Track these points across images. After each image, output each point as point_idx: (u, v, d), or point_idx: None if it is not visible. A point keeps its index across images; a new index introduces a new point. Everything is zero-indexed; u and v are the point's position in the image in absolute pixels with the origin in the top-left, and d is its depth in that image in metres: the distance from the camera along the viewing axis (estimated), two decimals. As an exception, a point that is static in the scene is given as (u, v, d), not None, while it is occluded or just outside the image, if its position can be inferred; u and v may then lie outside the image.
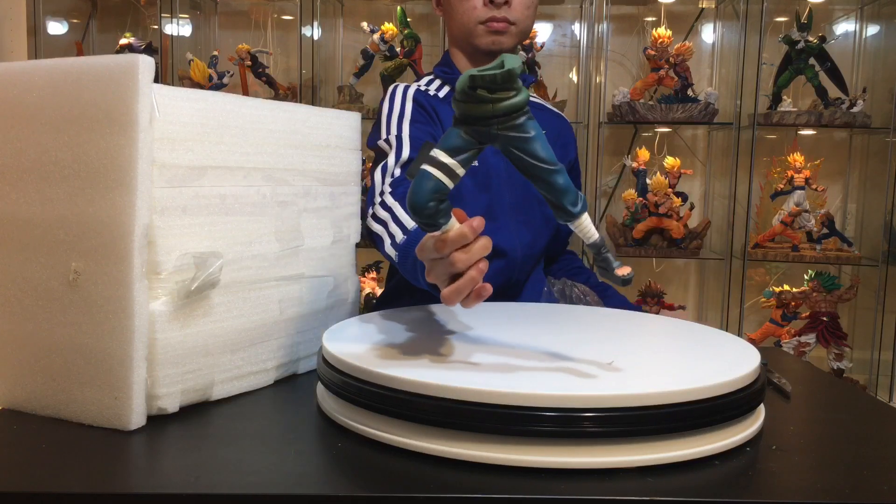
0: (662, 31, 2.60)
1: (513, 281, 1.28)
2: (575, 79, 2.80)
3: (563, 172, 0.69)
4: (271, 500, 0.60)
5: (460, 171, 0.69)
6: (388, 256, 1.04)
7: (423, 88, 1.30)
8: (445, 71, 1.33)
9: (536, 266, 1.35)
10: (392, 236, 1.03)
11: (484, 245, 0.73)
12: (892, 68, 2.65)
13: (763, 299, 2.60)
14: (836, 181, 2.79)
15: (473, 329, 0.90)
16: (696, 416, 0.66)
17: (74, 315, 0.75)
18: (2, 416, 0.78)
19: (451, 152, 0.68)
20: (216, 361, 0.81)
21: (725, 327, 2.60)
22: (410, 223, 1.00)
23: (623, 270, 0.71)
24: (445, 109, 1.27)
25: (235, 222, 0.83)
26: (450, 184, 0.68)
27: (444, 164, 0.68)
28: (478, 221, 0.72)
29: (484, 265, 0.72)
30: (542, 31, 2.77)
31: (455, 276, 0.73)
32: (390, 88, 1.29)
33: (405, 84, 1.30)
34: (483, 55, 1.28)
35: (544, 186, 0.68)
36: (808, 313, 2.51)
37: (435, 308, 1.02)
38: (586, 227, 0.70)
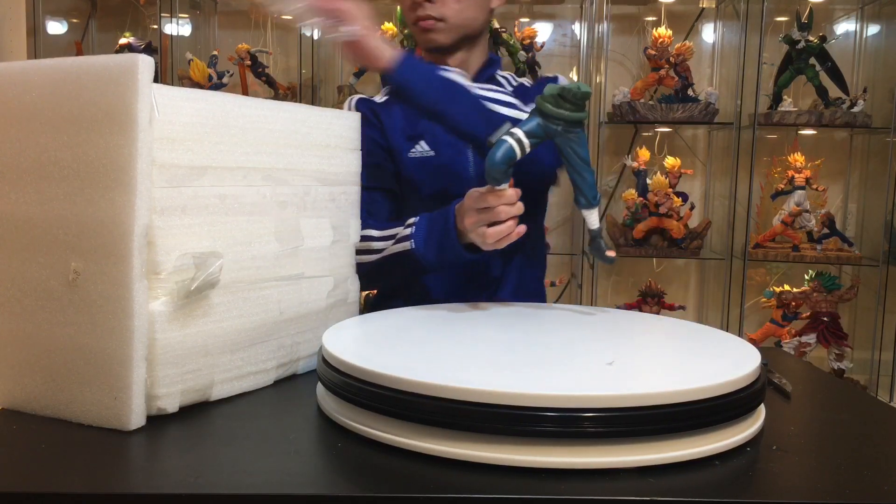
0: (663, 31, 2.60)
1: (480, 274, 1.28)
2: (575, 78, 2.80)
3: (593, 172, 0.96)
4: (271, 500, 0.60)
5: (528, 149, 0.93)
6: (392, 258, 1.12)
7: (373, 98, 1.32)
8: None
9: (514, 259, 1.32)
10: (393, 239, 1.13)
11: (521, 207, 1.00)
12: (892, 68, 2.65)
13: (763, 299, 2.60)
14: (837, 181, 2.79)
15: (473, 329, 0.90)
16: (696, 416, 0.66)
17: (74, 315, 0.75)
18: (1, 416, 0.78)
19: (527, 134, 0.93)
20: (216, 361, 0.81)
21: (726, 327, 2.60)
22: (395, 230, 1.14)
23: (611, 253, 1.00)
24: (386, 112, 1.28)
25: (235, 222, 0.83)
26: (519, 154, 0.93)
27: (519, 140, 0.92)
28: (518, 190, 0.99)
29: (518, 224, 1.00)
30: (543, 31, 2.77)
31: (492, 225, 0.99)
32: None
33: (356, 96, 1.32)
34: (429, 53, 1.28)
35: (579, 178, 0.95)
36: (808, 313, 2.51)
37: (435, 308, 1.02)
38: (594, 217, 0.97)
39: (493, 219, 0.98)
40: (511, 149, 0.92)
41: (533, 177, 1.10)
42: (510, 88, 1.32)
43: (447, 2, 1.21)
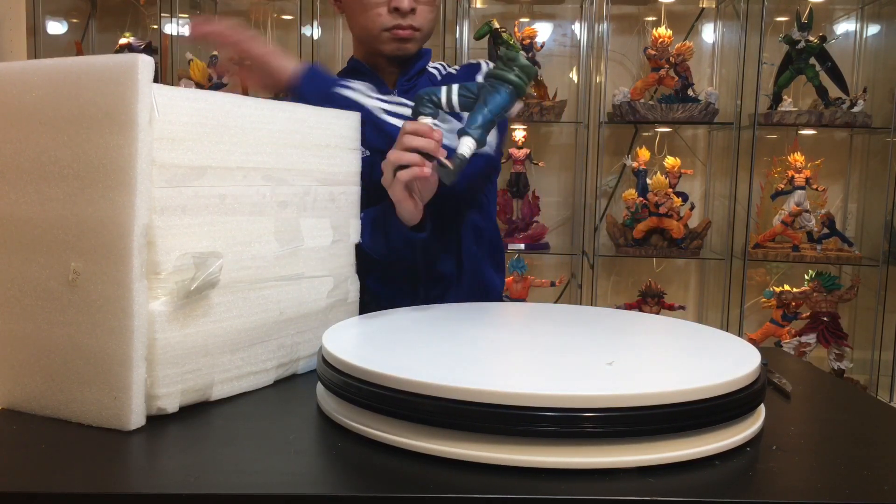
0: (663, 31, 2.60)
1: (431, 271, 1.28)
2: (575, 79, 2.80)
3: (491, 121, 0.96)
4: (271, 500, 0.60)
5: (455, 99, 0.99)
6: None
7: None
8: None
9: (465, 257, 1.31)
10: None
11: (429, 143, 0.97)
12: (892, 68, 2.65)
13: (763, 299, 2.61)
14: (837, 181, 2.79)
15: (473, 329, 0.90)
16: (696, 416, 0.66)
17: (74, 315, 0.75)
18: (1, 416, 0.78)
19: (461, 87, 0.99)
20: (216, 361, 0.81)
21: (726, 327, 2.61)
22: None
23: (447, 162, 0.98)
24: None
25: (235, 222, 0.83)
26: (444, 102, 0.99)
27: (449, 90, 0.99)
28: (437, 132, 1.00)
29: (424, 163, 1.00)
30: (543, 31, 2.77)
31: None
32: None
33: None
34: (386, 60, 1.28)
35: (476, 114, 0.96)
36: (808, 313, 2.51)
37: (434, 308, 1.02)
38: (465, 145, 0.95)
39: (401, 148, 0.98)
40: (437, 94, 0.99)
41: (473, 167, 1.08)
42: (440, 78, 1.33)
43: (423, 13, 1.24)
